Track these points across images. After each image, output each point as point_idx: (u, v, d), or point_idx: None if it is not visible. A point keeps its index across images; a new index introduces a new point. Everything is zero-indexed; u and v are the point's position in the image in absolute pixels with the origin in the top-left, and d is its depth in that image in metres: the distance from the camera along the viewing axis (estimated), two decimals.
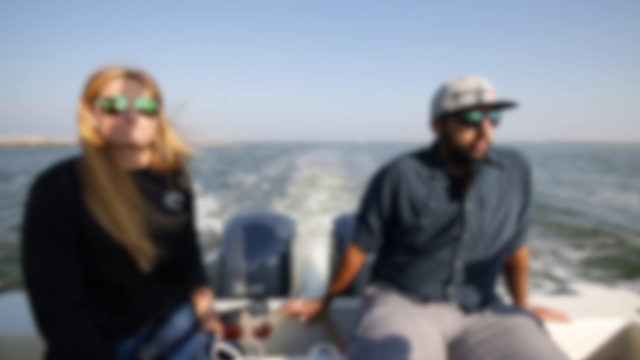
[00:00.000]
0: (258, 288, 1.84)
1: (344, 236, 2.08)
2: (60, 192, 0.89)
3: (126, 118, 0.94)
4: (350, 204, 8.89)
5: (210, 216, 7.47)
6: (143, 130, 0.97)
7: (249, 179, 14.47)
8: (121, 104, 0.93)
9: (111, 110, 0.93)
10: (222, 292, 1.84)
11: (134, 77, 0.96)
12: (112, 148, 0.98)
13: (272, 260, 1.90)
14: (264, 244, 1.96)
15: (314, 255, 4.51)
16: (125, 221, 0.94)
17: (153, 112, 1.00)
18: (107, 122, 0.94)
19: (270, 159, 29.28)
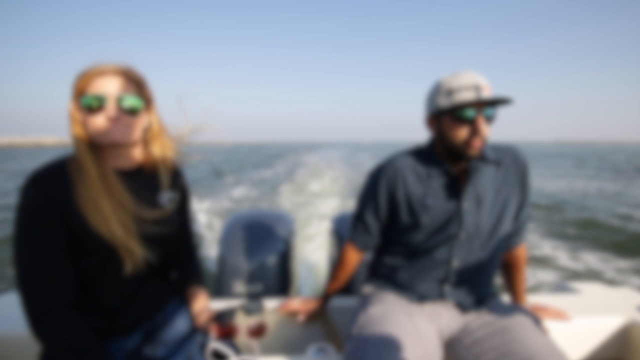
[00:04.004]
0: (257, 287, 1.84)
1: (343, 235, 2.08)
2: (51, 192, 0.89)
3: (108, 116, 0.93)
4: (346, 190, 11.04)
5: (240, 204, 9.45)
6: (126, 128, 0.96)
7: (265, 174, 17.80)
8: (102, 102, 0.92)
9: (93, 108, 0.92)
10: (221, 291, 1.84)
11: (119, 75, 0.95)
12: (101, 147, 0.98)
13: (272, 259, 1.90)
14: (263, 242, 1.96)
15: (314, 254, 4.51)
16: (113, 221, 0.93)
17: (138, 111, 0.98)
18: (90, 121, 0.93)
19: (278, 158, 32.62)
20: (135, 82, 0.98)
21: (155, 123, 1.07)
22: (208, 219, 7.44)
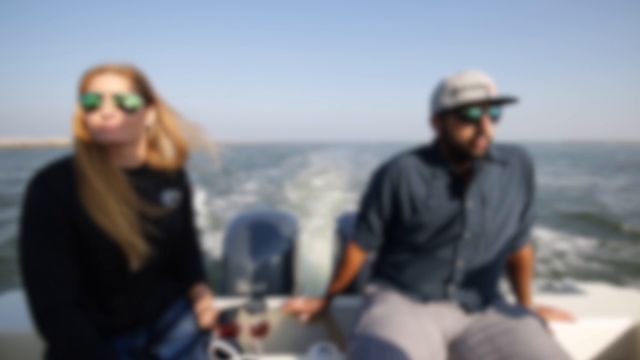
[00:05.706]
0: (261, 286, 1.84)
1: (347, 234, 2.08)
2: (56, 190, 0.90)
3: (103, 114, 0.92)
4: (350, 184, 12.13)
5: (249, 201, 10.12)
6: (123, 127, 0.95)
7: (273, 172, 18.99)
8: (99, 100, 0.92)
9: (92, 106, 0.93)
10: (225, 290, 1.85)
11: (118, 74, 0.95)
12: (104, 146, 0.98)
13: (275, 259, 1.90)
14: (266, 242, 1.96)
15: (317, 254, 4.51)
16: (118, 218, 0.93)
17: (136, 109, 0.98)
18: (88, 120, 0.93)
19: (286, 157, 34.13)
20: (135, 81, 0.97)
21: (163, 121, 1.07)
22: (213, 217, 7.46)
